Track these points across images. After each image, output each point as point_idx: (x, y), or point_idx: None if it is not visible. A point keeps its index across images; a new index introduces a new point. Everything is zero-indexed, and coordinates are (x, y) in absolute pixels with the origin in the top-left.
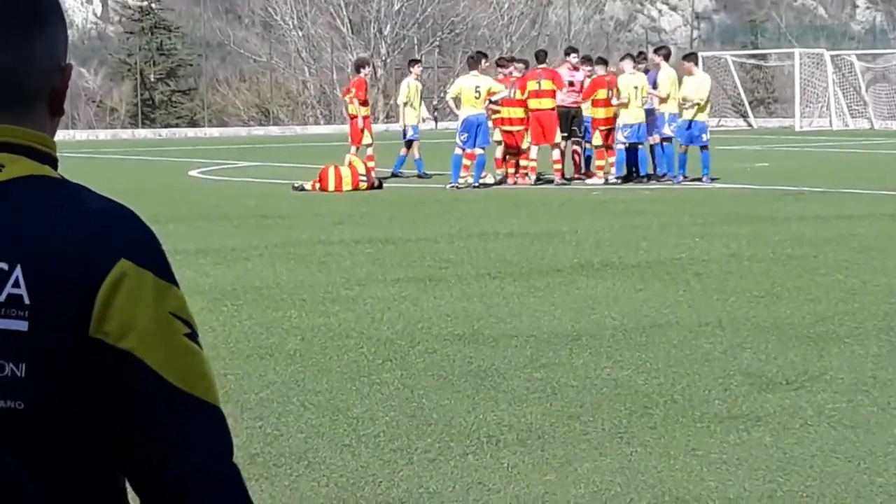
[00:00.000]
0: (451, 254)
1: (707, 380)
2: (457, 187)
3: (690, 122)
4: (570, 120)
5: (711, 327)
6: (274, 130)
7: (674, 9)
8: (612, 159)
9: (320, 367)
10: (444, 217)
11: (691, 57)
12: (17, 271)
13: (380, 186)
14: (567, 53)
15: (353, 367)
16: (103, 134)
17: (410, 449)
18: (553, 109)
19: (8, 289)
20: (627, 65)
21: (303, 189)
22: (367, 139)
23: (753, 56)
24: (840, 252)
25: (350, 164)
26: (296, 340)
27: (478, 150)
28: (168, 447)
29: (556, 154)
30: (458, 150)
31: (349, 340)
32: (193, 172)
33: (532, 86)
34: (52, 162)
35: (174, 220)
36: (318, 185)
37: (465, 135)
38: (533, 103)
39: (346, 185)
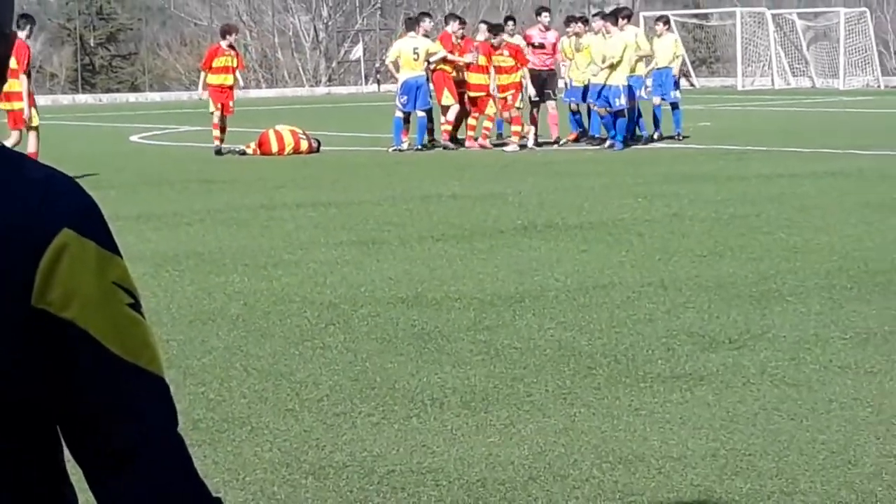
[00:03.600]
0: (394, 217)
1: (650, 340)
2: (398, 150)
3: (604, 85)
4: (543, 83)
5: (654, 287)
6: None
7: None
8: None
9: (263, 331)
10: (386, 180)
11: (609, 17)
12: None
13: (318, 150)
14: (538, 13)
15: (296, 332)
16: (43, 100)
17: (354, 413)
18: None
19: None
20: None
21: (244, 153)
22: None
23: (695, 16)
24: (782, 211)
25: (291, 129)
26: (238, 305)
27: (419, 113)
28: (112, 417)
29: (449, 115)
30: (398, 113)
31: (292, 305)
32: (135, 138)
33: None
34: None
35: (115, 186)
36: (259, 150)
37: (405, 97)
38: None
39: (288, 149)
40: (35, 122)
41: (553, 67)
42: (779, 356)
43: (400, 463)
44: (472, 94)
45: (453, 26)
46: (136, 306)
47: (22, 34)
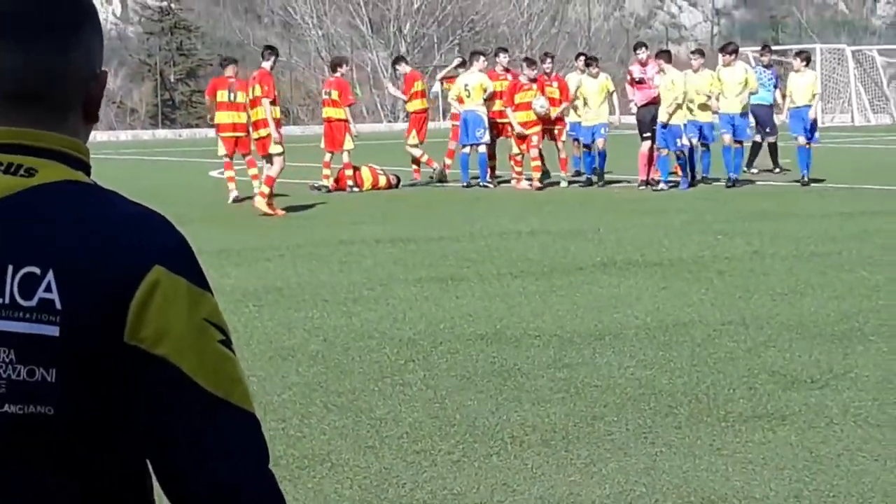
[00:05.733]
0: (473, 253)
1: (731, 379)
2: (467, 185)
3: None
4: (648, 119)
5: (735, 326)
6: (294, 130)
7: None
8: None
9: (343, 368)
10: (465, 216)
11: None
12: (50, 276)
13: (396, 186)
14: (635, 49)
15: (376, 368)
16: (124, 135)
17: (434, 450)
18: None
19: (40, 293)
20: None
21: (321, 189)
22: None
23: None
24: (864, 249)
25: (369, 166)
26: (318, 341)
27: (466, 149)
28: (204, 454)
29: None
30: (462, 150)
31: (371, 341)
32: (214, 173)
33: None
34: (86, 168)
35: (195, 220)
36: (337, 185)
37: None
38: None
39: (367, 185)
40: (275, 149)
41: (656, 102)
42: (862, 396)
43: (481, 501)
44: (520, 130)
45: (502, 60)
46: (226, 342)
47: (267, 64)
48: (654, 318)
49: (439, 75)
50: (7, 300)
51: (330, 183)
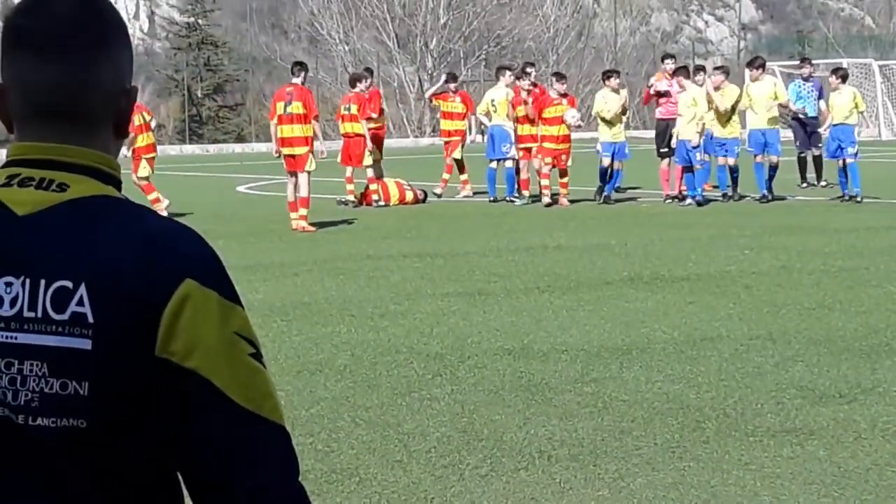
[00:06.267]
0: (500, 268)
1: (759, 393)
2: (493, 200)
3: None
4: (667, 134)
5: (762, 340)
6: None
7: (720, 20)
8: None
9: (370, 382)
10: (491, 231)
11: (682, 70)
12: (82, 290)
13: (424, 199)
14: (663, 60)
15: (404, 383)
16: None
17: (462, 465)
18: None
19: (72, 307)
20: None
21: (347, 204)
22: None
23: (801, 67)
24: (892, 263)
25: (395, 181)
26: (345, 356)
27: (493, 164)
28: (234, 466)
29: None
30: (489, 164)
31: (399, 356)
32: (241, 188)
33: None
34: (116, 183)
35: (223, 236)
36: (363, 200)
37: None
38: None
39: (393, 200)
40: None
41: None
42: (890, 411)
43: None
44: (549, 145)
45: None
46: (257, 356)
47: (297, 80)
48: (681, 332)
49: (428, 93)
50: (39, 314)
51: (355, 198)
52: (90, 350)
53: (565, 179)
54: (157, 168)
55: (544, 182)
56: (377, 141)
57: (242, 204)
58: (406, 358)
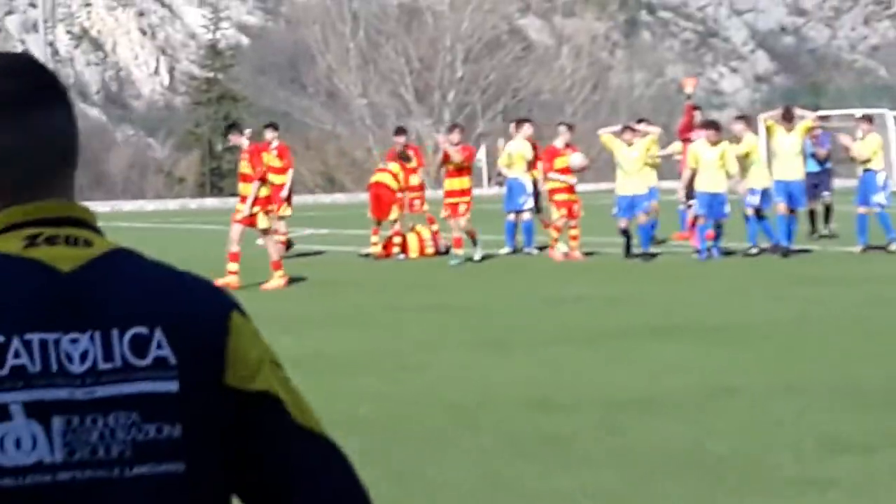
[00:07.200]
0: (520, 319)
1: (779, 443)
2: (512, 251)
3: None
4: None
5: (782, 391)
6: (340, 198)
7: (734, 71)
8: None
9: (393, 434)
10: (510, 281)
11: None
12: (158, 334)
13: (447, 252)
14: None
15: (426, 434)
16: (172, 203)
17: None
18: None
19: (154, 352)
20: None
21: (369, 256)
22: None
23: (816, 117)
24: None
25: (415, 231)
26: (368, 408)
27: (512, 216)
28: (301, 481)
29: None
30: (507, 217)
31: (421, 407)
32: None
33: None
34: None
35: (245, 287)
36: (384, 252)
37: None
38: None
39: (413, 252)
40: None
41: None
42: None
43: None
44: (560, 197)
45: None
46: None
47: (243, 138)
48: (701, 383)
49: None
50: (119, 363)
51: (378, 250)
52: (177, 391)
53: (575, 232)
54: (176, 221)
55: (554, 234)
56: (277, 197)
57: (262, 256)
58: (428, 409)
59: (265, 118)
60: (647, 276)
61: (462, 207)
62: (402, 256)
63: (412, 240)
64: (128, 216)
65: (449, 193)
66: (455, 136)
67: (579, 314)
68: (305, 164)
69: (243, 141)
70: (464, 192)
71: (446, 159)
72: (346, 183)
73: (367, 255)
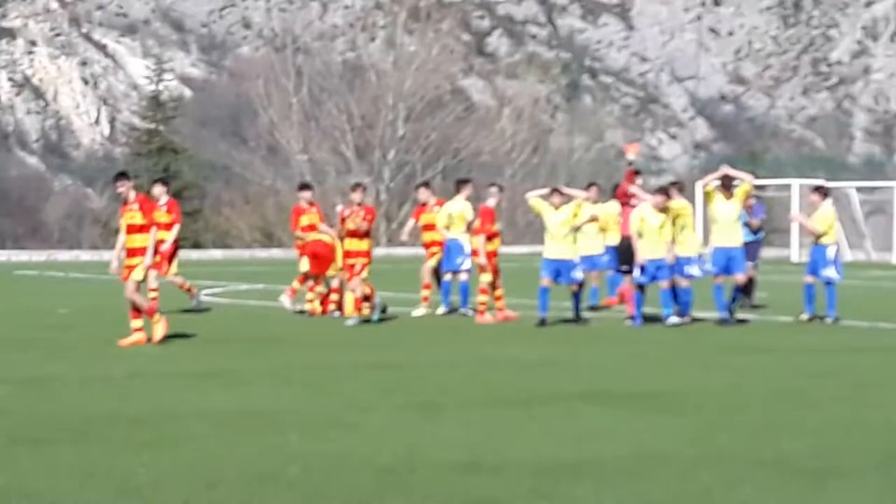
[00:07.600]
0: (452, 380)
1: None
2: (447, 312)
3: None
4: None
5: (711, 460)
6: (277, 253)
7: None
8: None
9: (321, 494)
10: (444, 342)
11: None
12: None
13: (384, 311)
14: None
15: (355, 495)
16: (108, 255)
17: None
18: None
19: None
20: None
21: (304, 313)
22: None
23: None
24: (839, 385)
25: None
26: (296, 467)
27: (447, 276)
28: None
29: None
30: (444, 277)
31: (350, 468)
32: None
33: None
34: None
35: (177, 342)
36: (321, 309)
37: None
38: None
39: (349, 310)
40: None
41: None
42: None
43: None
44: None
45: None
46: None
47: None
48: (631, 449)
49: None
50: None
51: (313, 307)
52: None
53: (499, 292)
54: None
55: (482, 298)
56: (165, 252)
57: (198, 311)
58: (357, 470)
59: (206, 171)
60: (581, 341)
61: (357, 268)
62: (337, 314)
63: (349, 298)
64: (63, 266)
65: (347, 254)
66: (357, 196)
67: (511, 376)
68: (244, 218)
69: (130, 192)
70: (360, 254)
71: (342, 222)
72: (283, 239)
73: (302, 312)
